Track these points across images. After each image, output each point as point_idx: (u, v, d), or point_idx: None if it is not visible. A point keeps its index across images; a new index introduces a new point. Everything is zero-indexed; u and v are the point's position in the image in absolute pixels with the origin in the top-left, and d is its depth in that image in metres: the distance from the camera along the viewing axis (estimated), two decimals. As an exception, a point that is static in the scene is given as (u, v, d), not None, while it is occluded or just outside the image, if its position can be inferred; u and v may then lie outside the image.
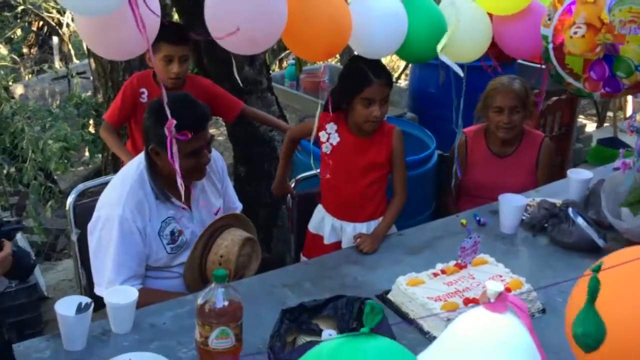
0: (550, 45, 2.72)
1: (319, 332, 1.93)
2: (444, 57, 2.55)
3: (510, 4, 2.68)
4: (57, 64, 8.80)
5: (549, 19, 2.72)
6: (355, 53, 2.58)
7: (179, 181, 1.99)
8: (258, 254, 2.56)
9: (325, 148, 2.79)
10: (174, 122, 1.90)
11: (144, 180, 2.47)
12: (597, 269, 1.02)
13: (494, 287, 0.95)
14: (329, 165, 2.78)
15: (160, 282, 2.52)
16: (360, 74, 2.66)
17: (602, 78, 2.72)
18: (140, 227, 2.42)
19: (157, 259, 2.50)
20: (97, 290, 2.41)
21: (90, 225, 2.47)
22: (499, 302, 0.93)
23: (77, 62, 8.56)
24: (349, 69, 2.78)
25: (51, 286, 4.03)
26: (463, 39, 2.65)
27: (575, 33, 2.66)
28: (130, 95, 3.31)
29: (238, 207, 2.86)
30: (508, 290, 2.29)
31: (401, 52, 2.60)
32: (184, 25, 3.60)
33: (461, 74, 2.58)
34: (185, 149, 2.39)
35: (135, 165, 2.51)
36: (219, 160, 2.75)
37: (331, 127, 2.77)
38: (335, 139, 2.77)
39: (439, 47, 2.50)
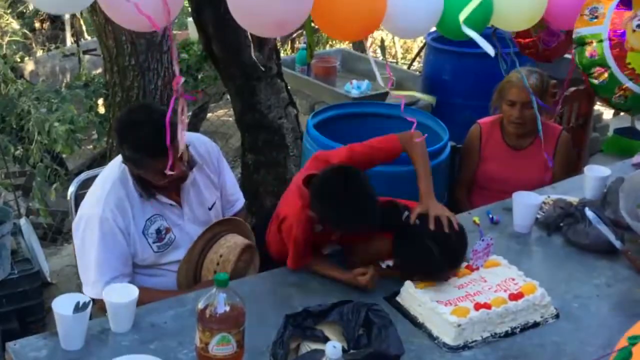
0: (607, 43, 2.37)
1: (323, 339, 1.86)
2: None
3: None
4: (69, 39, 8.70)
5: (594, 16, 2.37)
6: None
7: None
8: (256, 265, 2.49)
9: None
10: (182, 79, 1.76)
11: (127, 178, 2.38)
12: (635, 341, 0.88)
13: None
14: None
15: (150, 280, 2.45)
16: (433, 265, 2.26)
17: None
18: (122, 226, 2.35)
19: (144, 258, 2.42)
20: (85, 290, 2.35)
21: (74, 224, 2.42)
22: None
23: (89, 38, 8.45)
24: (424, 251, 2.26)
25: (55, 272, 3.97)
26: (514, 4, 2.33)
27: (639, 26, 2.30)
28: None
29: (239, 199, 2.74)
30: (521, 295, 2.21)
31: (441, 27, 2.31)
32: None
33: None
34: (153, 166, 2.29)
35: (118, 163, 2.42)
36: (213, 151, 2.62)
37: None
38: None
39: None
